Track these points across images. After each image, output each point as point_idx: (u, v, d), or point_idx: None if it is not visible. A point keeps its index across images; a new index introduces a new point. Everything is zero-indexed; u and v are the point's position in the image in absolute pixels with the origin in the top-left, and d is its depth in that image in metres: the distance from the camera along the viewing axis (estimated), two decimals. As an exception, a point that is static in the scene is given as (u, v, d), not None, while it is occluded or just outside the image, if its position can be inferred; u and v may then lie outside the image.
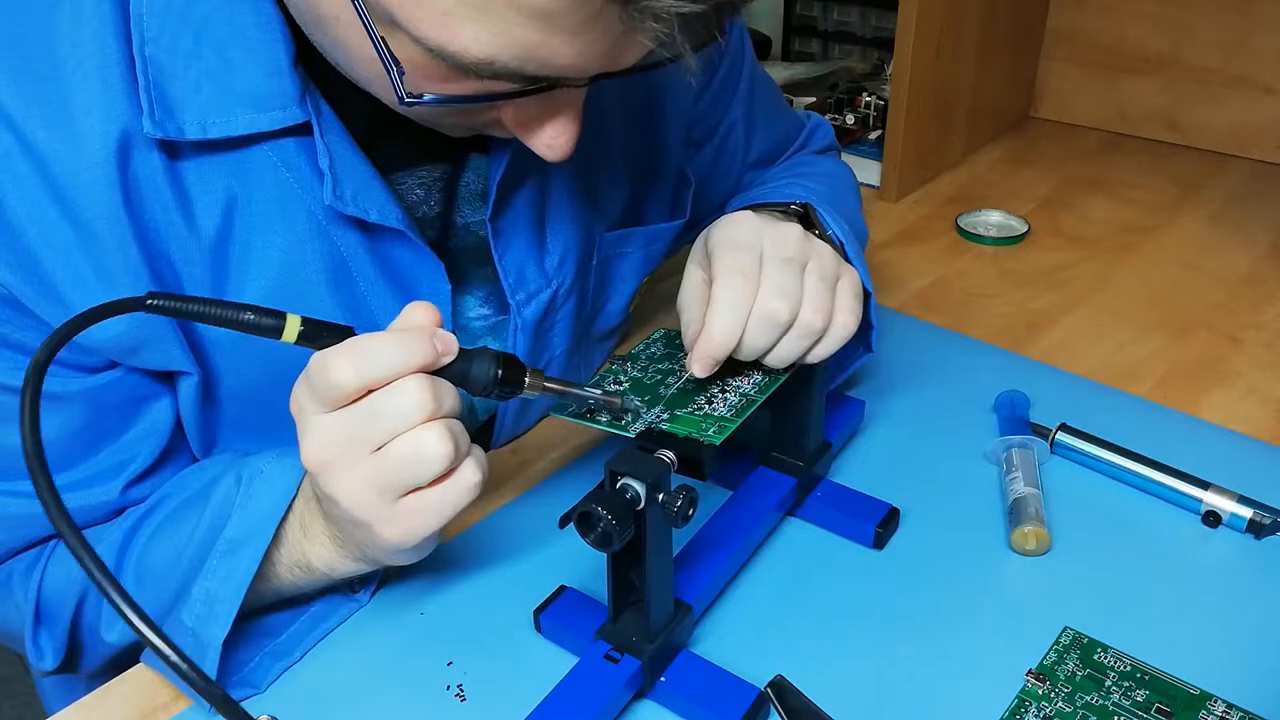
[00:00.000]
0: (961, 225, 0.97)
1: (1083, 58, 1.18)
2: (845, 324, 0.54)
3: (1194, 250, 0.93)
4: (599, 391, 0.51)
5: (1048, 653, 0.52)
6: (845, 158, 1.08)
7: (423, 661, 0.53)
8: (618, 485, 0.44)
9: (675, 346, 0.59)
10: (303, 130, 0.51)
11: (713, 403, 0.52)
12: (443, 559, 0.59)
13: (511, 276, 0.60)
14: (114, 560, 0.53)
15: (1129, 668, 0.51)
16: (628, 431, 0.50)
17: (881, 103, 1.11)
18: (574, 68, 0.42)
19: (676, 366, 0.56)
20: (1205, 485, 0.60)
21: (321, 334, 0.45)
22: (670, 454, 0.47)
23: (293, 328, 0.44)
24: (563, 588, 0.55)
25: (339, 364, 0.43)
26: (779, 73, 1.33)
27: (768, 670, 0.50)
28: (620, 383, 0.55)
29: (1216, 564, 0.58)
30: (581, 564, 0.57)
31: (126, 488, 0.55)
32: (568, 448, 0.69)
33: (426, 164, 0.58)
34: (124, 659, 0.57)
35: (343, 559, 0.51)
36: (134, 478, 0.55)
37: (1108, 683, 0.50)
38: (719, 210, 0.66)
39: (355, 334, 0.45)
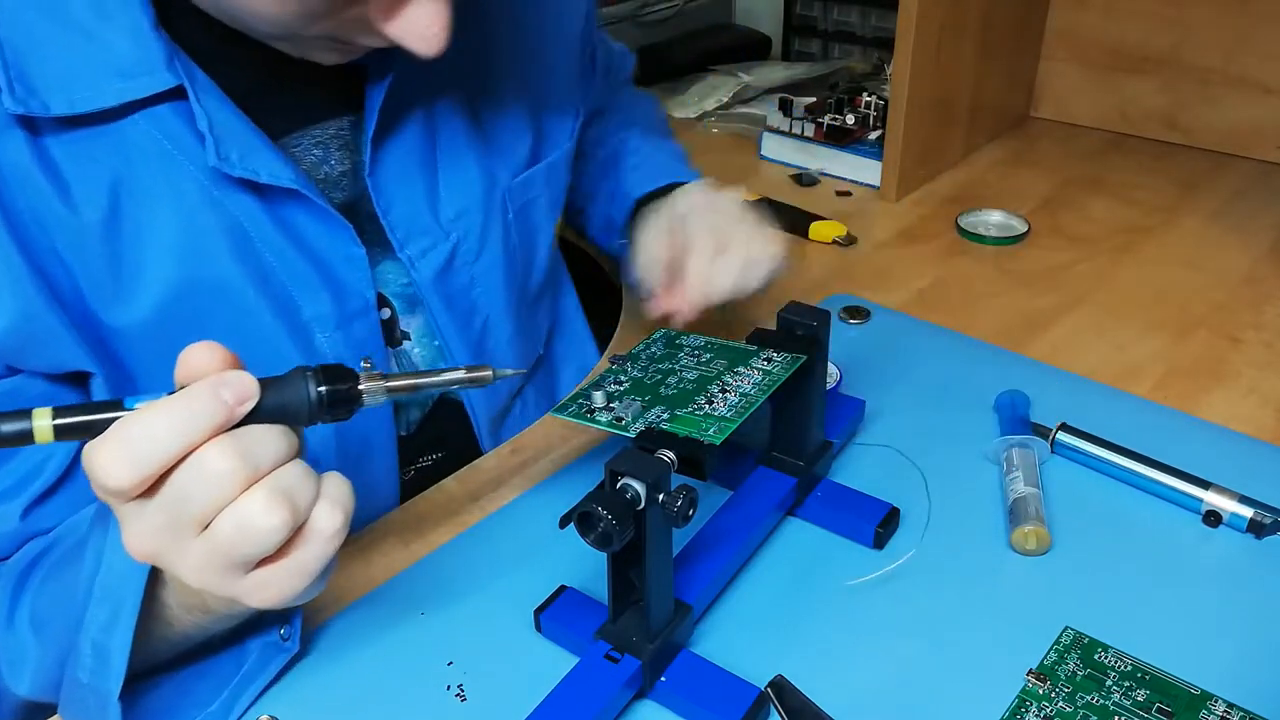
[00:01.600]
0: (961, 225, 0.97)
1: (1083, 58, 1.18)
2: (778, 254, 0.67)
3: (1194, 250, 0.93)
4: (461, 372, 0.45)
5: (1048, 652, 0.52)
6: (845, 157, 1.09)
7: (423, 661, 0.53)
8: (618, 485, 0.44)
9: (675, 346, 0.59)
10: (177, 95, 0.49)
11: (713, 403, 0.52)
12: (443, 559, 0.59)
13: (399, 230, 0.59)
14: (7, 607, 0.49)
15: (1129, 667, 0.51)
16: (628, 431, 0.50)
17: (881, 103, 1.11)
18: None
19: (677, 366, 0.56)
20: (1206, 485, 0.60)
21: (81, 421, 0.38)
22: (670, 454, 0.47)
23: (44, 427, 0.37)
24: (563, 588, 0.55)
25: (108, 461, 0.36)
26: (779, 73, 1.34)
27: (768, 670, 0.50)
28: (620, 383, 0.55)
29: (1217, 564, 0.58)
30: (581, 564, 0.57)
31: (27, 511, 0.51)
32: (568, 448, 0.69)
33: (319, 122, 0.56)
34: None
35: (226, 605, 0.45)
36: (35, 499, 0.51)
37: (1108, 682, 0.50)
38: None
39: (124, 406, 0.39)
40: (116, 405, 0.39)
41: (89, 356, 0.50)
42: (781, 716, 0.48)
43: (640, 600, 0.49)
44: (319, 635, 0.55)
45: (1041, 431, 0.66)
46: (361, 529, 0.63)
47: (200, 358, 0.39)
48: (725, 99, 1.30)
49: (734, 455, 0.62)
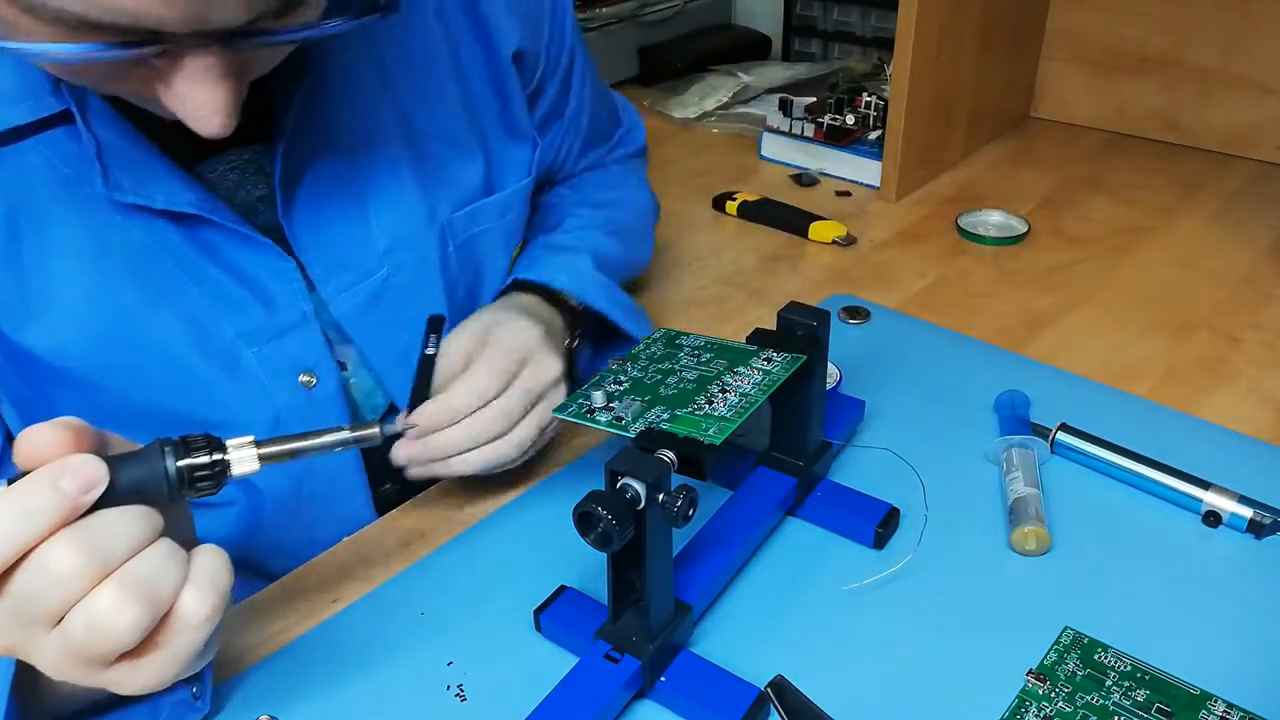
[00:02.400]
0: (961, 225, 0.97)
1: (1083, 58, 1.18)
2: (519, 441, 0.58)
3: (1194, 250, 0.93)
4: (345, 432, 0.43)
5: (1048, 652, 0.52)
6: (845, 157, 1.09)
7: (423, 661, 0.53)
8: (618, 485, 0.44)
9: (675, 346, 0.59)
10: (69, 118, 0.48)
11: (713, 402, 0.52)
12: (443, 559, 0.59)
13: (317, 266, 0.58)
14: None
15: (1129, 667, 0.51)
16: (628, 431, 0.50)
17: (881, 103, 1.11)
18: (162, 15, 0.38)
19: (677, 366, 0.56)
20: (1205, 485, 0.60)
21: None
22: (670, 454, 0.47)
23: None
24: (563, 588, 0.55)
25: None
26: (779, 73, 1.34)
27: (768, 670, 0.50)
28: (620, 383, 0.55)
29: (1217, 564, 0.58)
30: (581, 564, 0.57)
31: None
32: (568, 448, 0.69)
33: (234, 147, 0.56)
34: None
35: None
36: None
37: (1108, 682, 0.50)
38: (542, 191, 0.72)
39: None
40: None
41: None
42: (781, 716, 0.48)
43: (640, 600, 0.49)
44: (319, 635, 0.55)
45: (1041, 431, 0.66)
46: (337, 544, 0.62)
47: (41, 439, 0.36)
48: (725, 99, 1.30)
49: (734, 455, 0.62)
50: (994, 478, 0.64)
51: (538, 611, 0.53)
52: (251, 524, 0.60)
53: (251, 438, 0.40)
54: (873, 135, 1.10)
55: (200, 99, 0.43)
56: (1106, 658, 0.51)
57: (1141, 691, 0.49)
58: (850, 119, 1.11)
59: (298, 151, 0.56)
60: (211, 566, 0.39)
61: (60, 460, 0.36)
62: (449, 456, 0.57)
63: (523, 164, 0.70)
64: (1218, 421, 0.69)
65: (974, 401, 0.70)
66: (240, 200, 0.56)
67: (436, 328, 0.60)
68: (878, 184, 1.06)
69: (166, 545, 0.38)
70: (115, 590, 0.35)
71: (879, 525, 0.58)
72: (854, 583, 0.56)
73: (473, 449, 0.57)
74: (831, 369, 0.70)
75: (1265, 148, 1.09)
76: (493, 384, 0.57)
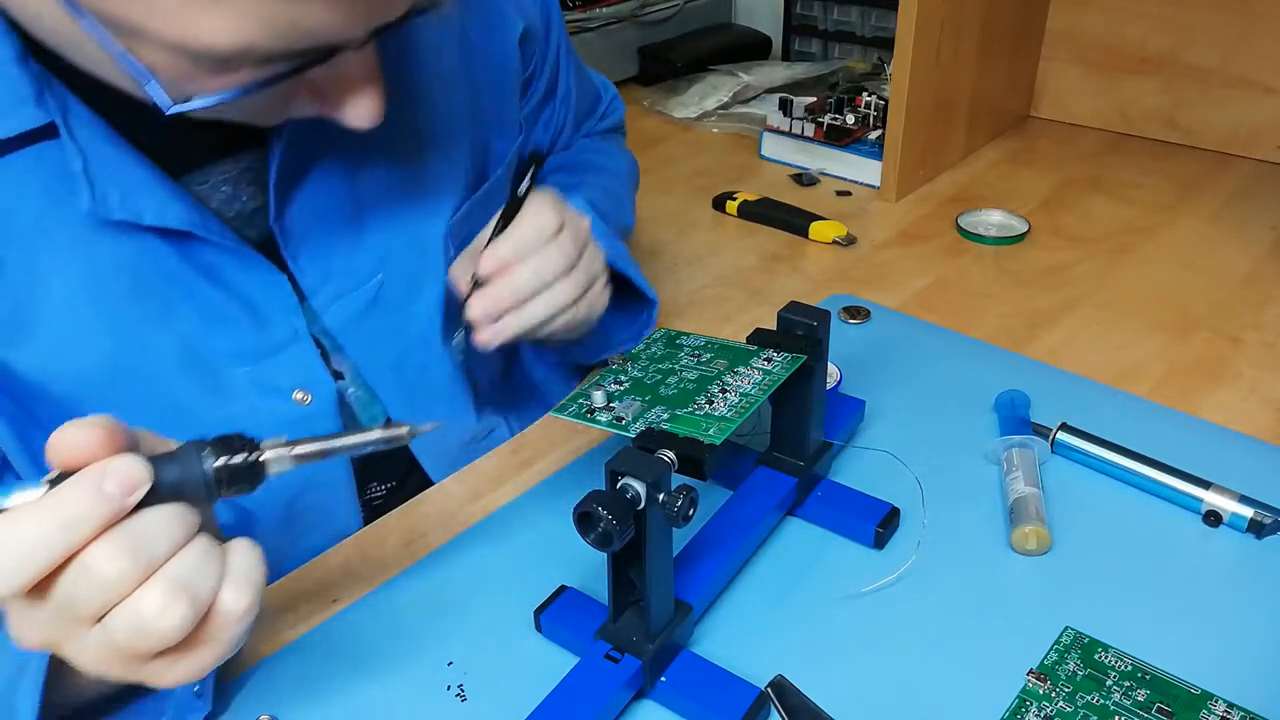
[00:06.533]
0: (961, 225, 0.97)
1: (1083, 58, 1.18)
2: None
3: (1194, 250, 0.93)
4: (376, 432, 0.43)
5: (1048, 652, 0.52)
6: (845, 157, 1.09)
7: (423, 661, 0.53)
8: (618, 485, 0.44)
9: (675, 346, 0.59)
10: (52, 132, 0.46)
11: (713, 403, 0.52)
12: (443, 559, 0.59)
13: (309, 275, 0.57)
14: None
15: (1129, 667, 0.51)
16: (628, 431, 0.50)
17: (881, 103, 1.11)
18: (343, 28, 0.39)
19: (677, 366, 0.56)
20: (1206, 485, 0.60)
21: None
22: (670, 454, 0.47)
23: None
24: (563, 588, 0.55)
25: None
26: (779, 73, 1.34)
27: (768, 670, 0.50)
28: (620, 383, 0.55)
29: (1217, 564, 0.58)
30: (581, 564, 0.57)
31: None
32: (568, 448, 0.69)
33: (226, 157, 0.54)
34: None
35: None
36: None
37: (1108, 682, 0.50)
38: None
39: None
40: None
41: None
42: (782, 716, 0.48)
43: (640, 600, 0.49)
44: (319, 635, 0.55)
45: (1041, 431, 0.66)
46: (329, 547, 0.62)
47: (77, 439, 0.36)
48: (725, 99, 1.30)
49: (734, 455, 0.62)
50: (994, 478, 0.64)
51: (538, 611, 0.53)
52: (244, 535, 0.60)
53: (285, 437, 0.40)
54: (873, 135, 1.10)
55: (362, 96, 0.45)
56: (1107, 657, 0.51)
57: (1142, 691, 0.49)
58: (850, 119, 1.11)
59: (295, 153, 0.55)
60: (247, 561, 0.39)
61: (103, 462, 0.36)
62: (520, 303, 0.56)
63: (507, 154, 0.69)
64: (1218, 421, 0.69)
65: (974, 401, 0.70)
66: (233, 213, 0.55)
67: (537, 162, 0.60)
68: (878, 184, 1.06)
69: (205, 542, 0.38)
70: (161, 591, 0.36)
71: (879, 525, 0.58)
72: (853, 591, 0.56)
73: (541, 290, 0.57)
74: (831, 369, 0.70)
75: (1265, 148, 1.09)
76: (552, 220, 0.57)
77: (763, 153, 1.17)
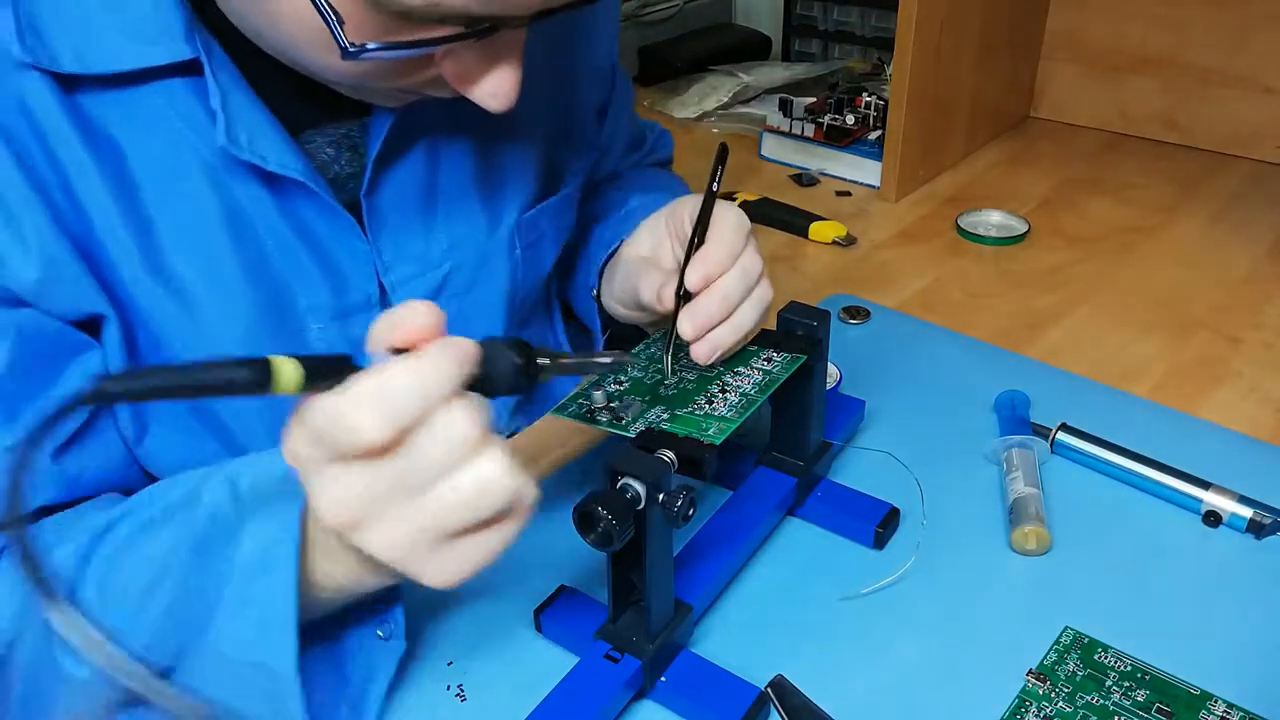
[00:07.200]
0: (961, 225, 0.97)
1: (1083, 58, 1.18)
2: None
3: (1194, 250, 0.93)
4: (607, 357, 0.46)
5: (1048, 653, 0.52)
6: (845, 157, 1.09)
7: (423, 661, 0.53)
8: (618, 485, 0.44)
9: (675, 345, 0.59)
10: (192, 70, 0.48)
11: (713, 402, 0.52)
12: (443, 559, 0.59)
13: (386, 254, 0.58)
14: (71, 578, 0.44)
15: (1129, 668, 0.51)
16: (628, 431, 0.50)
17: (881, 103, 1.11)
18: (520, 2, 0.41)
19: (677, 365, 0.56)
20: (1205, 485, 0.60)
21: (320, 374, 0.36)
22: (670, 454, 0.47)
23: (289, 376, 0.34)
24: (563, 588, 0.55)
25: (363, 416, 0.35)
26: (779, 73, 1.34)
27: (768, 670, 0.50)
28: (620, 383, 0.55)
29: (1217, 564, 0.58)
30: (581, 564, 0.57)
31: (58, 453, 0.49)
32: (568, 448, 0.69)
33: (336, 121, 0.56)
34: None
35: (373, 575, 0.43)
36: (64, 442, 0.49)
37: (1108, 683, 0.50)
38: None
39: (353, 366, 0.37)
40: (348, 361, 0.37)
41: (108, 304, 0.50)
42: (782, 716, 0.48)
43: (640, 600, 0.49)
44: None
45: (1041, 431, 0.66)
46: None
47: (419, 319, 0.38)
48: (725, 99, 1.30)
49: (734, 455, 0.62)
50: (994, 478, 0.64)
51: (538, 611, 0.53)
52: None
53: (551, 349, 0.43)
54: (873, 135, 1.10)
55: (503, 77, 0.45)
56: (1106, 658, 0.51)
57: (1141, 691, 0.49)
58: (850, 119, 1.11)
59: (398, 132, 0.56)
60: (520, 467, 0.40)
61: (449, 338, 0.38)
62: (731, 310, 0.55)
63: (581, 171, 0.71)
64: (1218, 421, 0.69)
65: (974, 401, 0.70)
66: (332, 175, 0.56)
67: (724, 158, 0.59)
68: (878, 184, 1.06)
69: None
70: (501, 458, 0.38)
71: (879, 525, 0.58)
72: (853, 591, 0.56)
73: (744, 298, 0.55)
74: (831, 369, 0.70)
75: (1265, 148, 1.10)
76: (744, 216, 0.57)
77: (763, 153, 1.17)
